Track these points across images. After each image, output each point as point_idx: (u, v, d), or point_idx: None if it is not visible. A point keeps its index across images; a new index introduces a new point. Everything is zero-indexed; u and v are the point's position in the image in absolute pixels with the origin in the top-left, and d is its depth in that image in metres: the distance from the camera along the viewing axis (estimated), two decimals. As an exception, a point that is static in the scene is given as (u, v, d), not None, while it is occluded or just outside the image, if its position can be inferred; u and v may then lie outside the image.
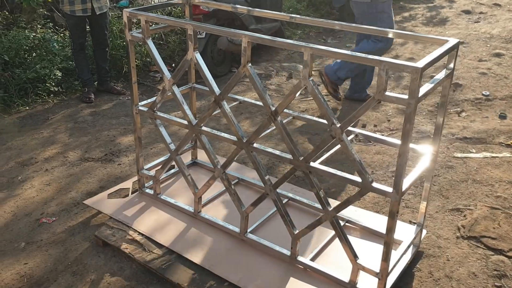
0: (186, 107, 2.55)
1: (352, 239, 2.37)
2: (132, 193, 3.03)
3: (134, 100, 2.76)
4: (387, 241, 2.06)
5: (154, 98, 2.82)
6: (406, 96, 1.81)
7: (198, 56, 2.39)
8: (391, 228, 2.02)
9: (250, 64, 2.22)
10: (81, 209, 2.98)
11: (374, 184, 2.01)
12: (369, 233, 2.66)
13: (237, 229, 2.58)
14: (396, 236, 2.59)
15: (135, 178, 3.15)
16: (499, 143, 3.93)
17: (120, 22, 6.01)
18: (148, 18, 2.50)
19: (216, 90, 2.38)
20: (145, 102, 2.83)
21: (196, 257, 2.45)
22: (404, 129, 1.85)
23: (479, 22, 8.01)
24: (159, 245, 2.54)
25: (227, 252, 2.50)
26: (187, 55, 2.41)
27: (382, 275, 2.12)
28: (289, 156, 2.22)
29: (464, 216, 2.93)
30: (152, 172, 2.94)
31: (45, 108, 4.66)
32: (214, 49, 5.55)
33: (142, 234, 2.62)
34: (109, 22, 4.96)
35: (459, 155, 3.70)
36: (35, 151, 3.77)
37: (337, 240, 2.57)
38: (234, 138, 2.41)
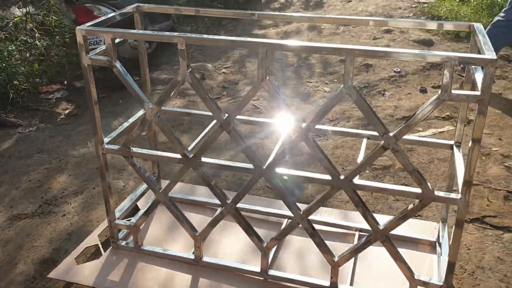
0: (176, 138, 2.09)
1: (375, 250, 2.16)
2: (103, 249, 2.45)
3: (99, 138, 2.19)
4: (453, 252, 1.89)
5: (120, 130, 2.31)
6: (478, 93, 1.64)
7: (192, 75, 1.93)
8: (457, 237, 1.86)
9: (268, 78, 1.85)
10: (42, 285, 2.33)
11: (437, 193, 1.82)
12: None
13: (257, 269, 2.22)
14: (421, 235, 2.47)
15: (99, 231, 2.57)
16: (436, 117, 4.05)
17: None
18: (116, 36, 1.97)
19: (221, 114, 1.97)
20: (107, 139, 2.26)
21: (224, 313, 2.05)
22: (475, 129, 1.68)
23: (351, 1, 8.34)
24: (174, 310, 2.07)
25: (255, 298, 2.14)
26: (178, 75, 1.93)
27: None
28: (327, 178, 1.92)
29: (454, 198, 2.91)
30: (121, 221, 2.41)
31: None
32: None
33: (147, 302, 2.11)
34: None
35: (410, 136, 3.70)
36: None
37: (366, 257, 2.34)
38: (249, 165, 2.03)
